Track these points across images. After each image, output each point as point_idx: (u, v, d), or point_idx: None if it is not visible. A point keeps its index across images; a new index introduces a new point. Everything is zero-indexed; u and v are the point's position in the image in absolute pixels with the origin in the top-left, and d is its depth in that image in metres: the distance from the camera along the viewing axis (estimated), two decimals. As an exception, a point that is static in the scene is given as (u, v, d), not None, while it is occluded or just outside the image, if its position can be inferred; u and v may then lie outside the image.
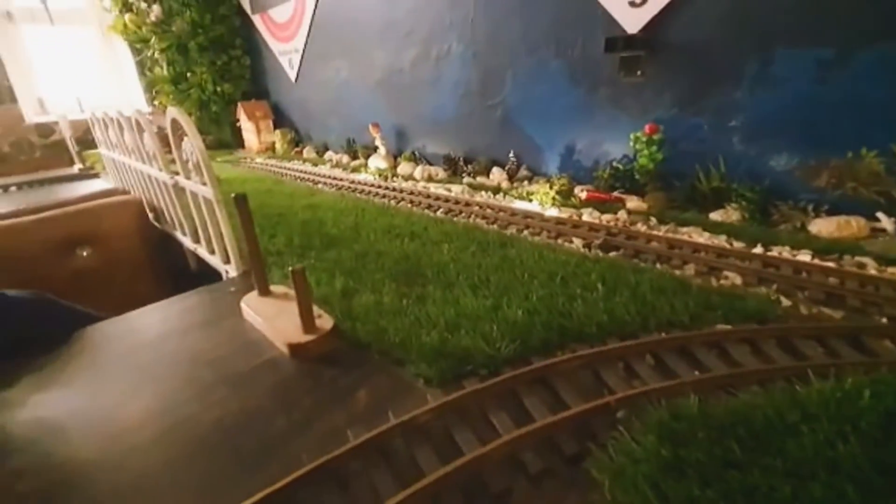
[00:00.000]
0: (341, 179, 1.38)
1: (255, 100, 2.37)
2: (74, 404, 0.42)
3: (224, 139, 2.52)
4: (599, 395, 0.36)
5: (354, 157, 1.72)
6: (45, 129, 2.83)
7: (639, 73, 0.94)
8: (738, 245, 0.68)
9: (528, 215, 0.87)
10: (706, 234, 0.73)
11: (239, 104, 2.28)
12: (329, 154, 1.89)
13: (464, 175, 1.26)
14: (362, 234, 0.80)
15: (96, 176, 1.84)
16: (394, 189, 1.18)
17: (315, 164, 1.77)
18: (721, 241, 0.70)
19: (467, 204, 0.97)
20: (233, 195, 0.51)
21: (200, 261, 0.93)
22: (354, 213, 0.95)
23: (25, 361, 0.48)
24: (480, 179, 1.21)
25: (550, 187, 0.95)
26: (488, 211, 0.91)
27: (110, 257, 0.95)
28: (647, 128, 0.89)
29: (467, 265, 0.63)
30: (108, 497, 0.31)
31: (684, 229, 0.76)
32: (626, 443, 0.29)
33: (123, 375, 0.46)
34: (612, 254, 0.68)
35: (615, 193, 0.93)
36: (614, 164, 0.97)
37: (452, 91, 1.33)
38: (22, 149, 2.79)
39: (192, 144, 0.65)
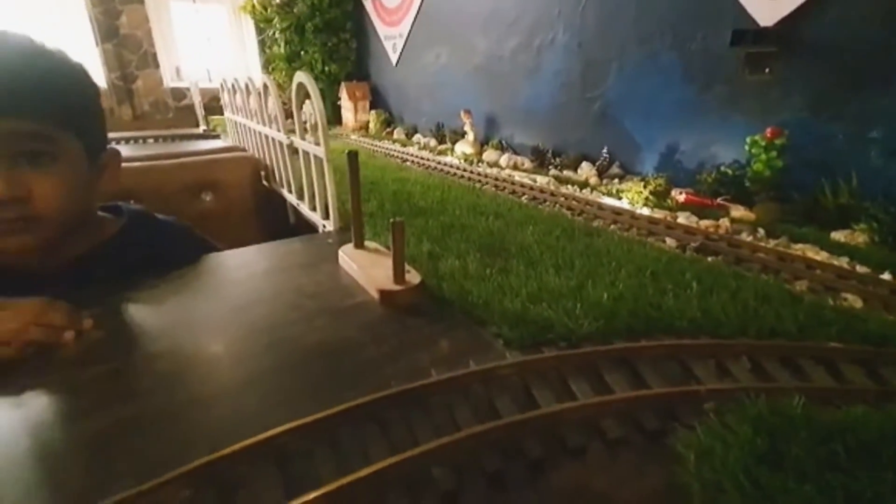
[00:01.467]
0: (428, 160, 1.43)
1: (356, 81, 2.52)
2: (201, 310, 0.49)
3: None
4: (686, 384, 0.35)
5: (441, 142, 1.77)
6: (178, 94, 3.24)
7: (766, 70, 0.86)
8: (862, 269, 0.61)
9: (616, 211, 0.84)
10: (824, 254, 0.66)
11: (342, 84, 2.43)
12: (417, 136, 1.96)
13: (550, 167, 1.24)
14: (448, 209, 0.83)
15: (217, 137, 2.07)
16: (479, 174, 1.20)
17: (403, 145, 1.85)
18: (842, 262, 0.63)
19: (552, 194, 0.96)
20: (346, 151, 0.56)
21: (298, 216, 1.03)
22: (441, 189, 0.98)
23: (168, 273, 0.57)
24: (567, 173, 1.18)
25: (644, 186, 0.91)
26: (574, 203, 0.90)
27: (226, 204, 1.08)
28: (768, 131, 0.81)
29: (551, 247, 0.63)
30: (227, 383, 0.37)
31: (798, 245, 0.69)
32: (717, 427, 0.28)
33: (240, 294, 0.53)
34: (710, 259, 0.64)
35: (719, 200, 0.86)
36: (722, 168, 0.90)
37: (551, 81, 1.31)
38: (159, 108, 3.23)
39: (314, 106, 0.71)
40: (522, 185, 1.04)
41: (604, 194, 0.97)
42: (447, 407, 0.33)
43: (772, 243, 0.69)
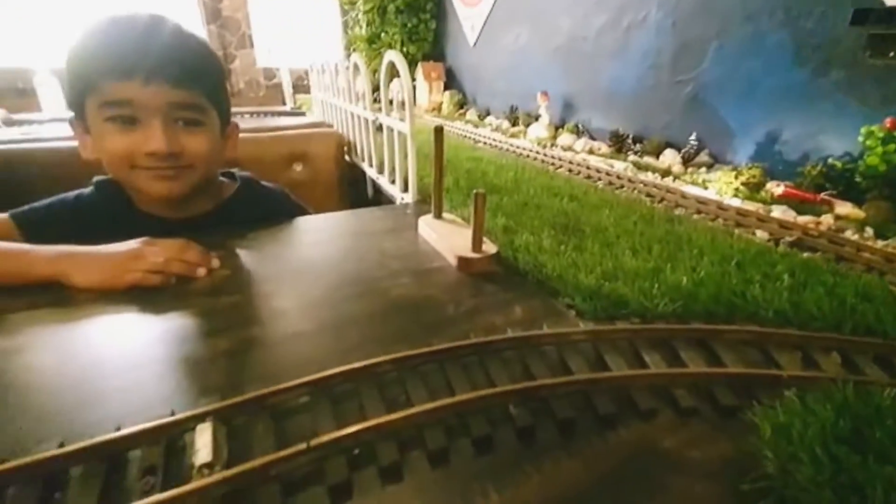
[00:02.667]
0: (500, 142, 1.44)
1: (432, 61, 2.55)
2: (301, 262, 0.56)
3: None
4: (767, 369, 0.35)
5: (514, 124, 1.76)
6: (269, 73, 3.49)
7: (892, 55, 0.76)
8: None
9: (701, 201, 0.80)
10: (946, 259, 0.59)
11: (419, 64, 2.48)
12: (490, 118, 1.96)
13: (629, 153, 1.19)
14: (522, 188, 0.84)
15: (302, 114, 2.22)
16: (552, 157, 1.19)
17: (476, 126, 1.86)
18: (969, 269, 0.56)
19: (630, 180, 0.94)
20: (433, 127, 0.59)
21: (377, 189, 1.09)
22: (514, 169, 0.99)
23: (271, 229, 0.64)
24: (648, 160, 1.14)
25: (735, 177, 0.85)
26: (654, 190, 0.87)
27: (313, 175, 1.18)
28: (888, 121, 0.73)
29: (628, 231, 0.62)
30: (328, 321, 0.42)
31: (913, 247, 0.62)
32: (796, 407, 0.28)
33: (333, 251, 0.59)
34: (806, 254, 0.60)
35: (823, 195, 0.79)
36: (830, 160, 0.82)
37: (638, 63, 1.25)
38: (251, 86, 3.50)
39: (403, 85, 0.75)
40: (598, 170, 1.02)
41: (688, 183, 0.93)
42: (521, 361, 0.36)
43: (880, 244, 0.63)
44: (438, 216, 0.65)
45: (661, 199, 0.82)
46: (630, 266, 0.50)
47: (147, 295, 0.46)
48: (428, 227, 0.63)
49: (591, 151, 1.28)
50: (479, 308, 0.45)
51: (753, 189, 0.82)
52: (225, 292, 0.47)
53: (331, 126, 1.42)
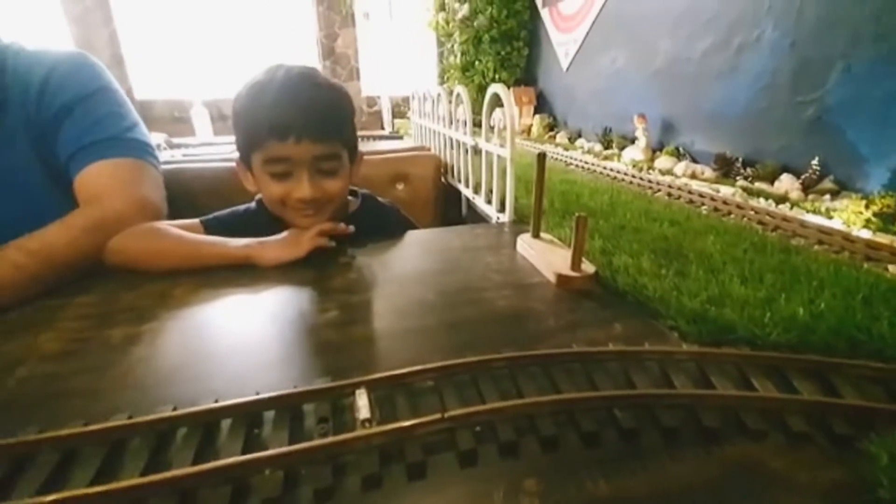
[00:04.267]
0: (593, 164, 1.44)
1: (523, 86, 2.62)
2: (413, 269, 0.64)
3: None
4: (889, 404, 0.33)
5: (607, 147, 1.74)
6: (371, 101, 3.82)
7: None
8: None
9: (824, 231, 0.74)
10: None
11: (511, 89, 2.56)
12: (581, 141, 1.96)
13: (738, 178, 1.13)
14: (618, 211, 0.85)
15: (400, 138, 2.40)
16: (649, 181, 1.17)
17: (566, 149, 1.87)
18: None
19: (739, 206, 0.89)
20: (538, 153, 0.64)
21: (471, 208, 1.17)
22: (609, 193, 1.00)
23: (387, 240, 0.74)
24: (760, 185, 1.07)
25: (867, 206, 0.78)
26: (768, 217, 0.82)
27: (413, 194, 1.29)
28: None
29: (736, 259, 0.61)
30: (441, 322, 0.48)
31: None
32: (928, 444, 0.27)
33: (440, 263, 0.66)
34: (954, 294, 0.53)
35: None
36: None
37: (749, 84, 1.19)
38: (356, 113, 3.88)
39: (506, 114, 0.82)
40: (702, 195, 0.99)
41: (808, 211, 0.86)
42: (624, 372, 0.38)
43: None
44: (536, 236, 0.70)
45: (776, 228, 0.78)
46: (738, 294, 0.50)
47: (297, 291, 0.56)
48: (527, 245, 0.67)
49: (693, 175, 1.23)
50: (579, 322, 0.48)
51: (887, 220, 0.74)
52: (355, 291, 0.56)
53: (429, 149, 1.54)
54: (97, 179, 0.65)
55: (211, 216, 0.71)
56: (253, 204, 0.75)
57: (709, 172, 1.21)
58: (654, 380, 0.37)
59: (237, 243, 0.61)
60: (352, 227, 0.66)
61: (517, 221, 0.86)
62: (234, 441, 0.31)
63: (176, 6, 2.98)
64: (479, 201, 1.06)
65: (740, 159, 1.16)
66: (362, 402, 0.32)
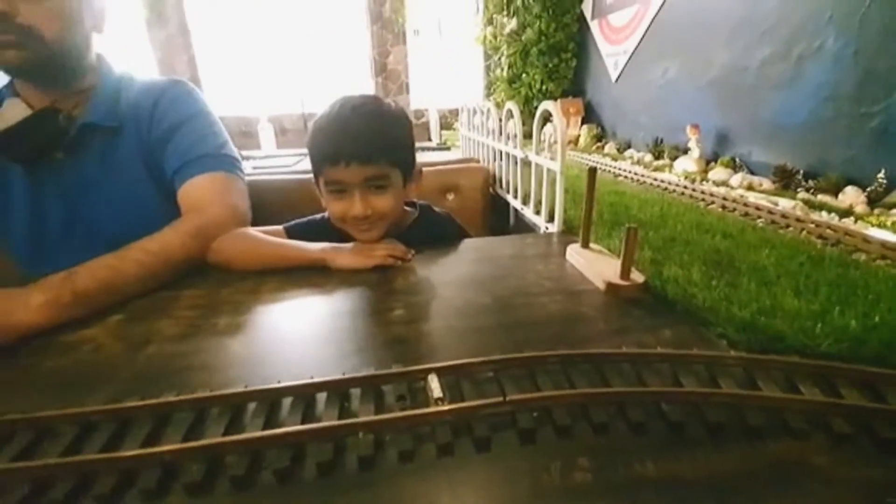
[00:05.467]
0: (643, 175, 1.44)
1: (571, 97, 2.63)
2: (469, 275, 0.69)
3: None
4: (950, 418, 0.34)
5: (658, 157, 1.73)
6: (419, 113, 3.95)
7: None
8: None
9: (888, 246, 0.72)
10: None
11: (558, 101, 2.58)
12: (630, 151, 1.94)
13: (799, 190, 1.10)
14: (668, 223, 0.86)
15: (447, 149, 2.48)
16: (702, 192, 1.16)
17: (615, 159, 1.87)
18: None
19: (799, 220, 0.88)
20: (589, 167, 0.68)
21: (518, 218, 1.21)
22: (660, 204, 1.01)
23: (444, 247, 0.79)
24: (822, 198, 1.03)
25: (940, 220, 0.74)
26: (829, 231, 0.80)
27: (462, 204, 1.35)
28: None
29: (790, 272, 0.61)
30: (498, 323, 0.53)
31: None
32: (976, 450, 0.29)
33: (493, 269, 0.71)
34: None
35: None
36: None
37: (811, 94, 1.16)
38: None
39: (556, 129, 0.86)
40: (758, 208, 0.97)
41: (873, 225, 0.83)
42: (672, 373, 0.41)
43: None
44: (586, 245, 0.73)
45: (837, 242, 0.76)
46: (791, 306, 0.51)
47: (366, 291, 0.63)
48: (576, 255, 0.70)
49: (750, 187, 1.20)
50: (628, 327, 0.51)
51: (968, 236, 0.71)
52: (417, 293, 0.62)
53: (477, 161, 1.59)
54: (198, 191, 0.76)
55: (291, 223, 0.81)
56: (326, 214, 0.83)
57: (767, 184, 1.18)
58: (701, 381, 0.40)
59: (315, 248, 0.70)
60: (412, 253, 0.74)
61: (565, 232, 0.89)
62: (330, 410, 0.37)
63: (244, 32, 3.26)
64: (528, 212, 1.10)
65: (801, 171, 1.12)
66: (434, 384, 0.38)
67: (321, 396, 0.39)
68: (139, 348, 0.49)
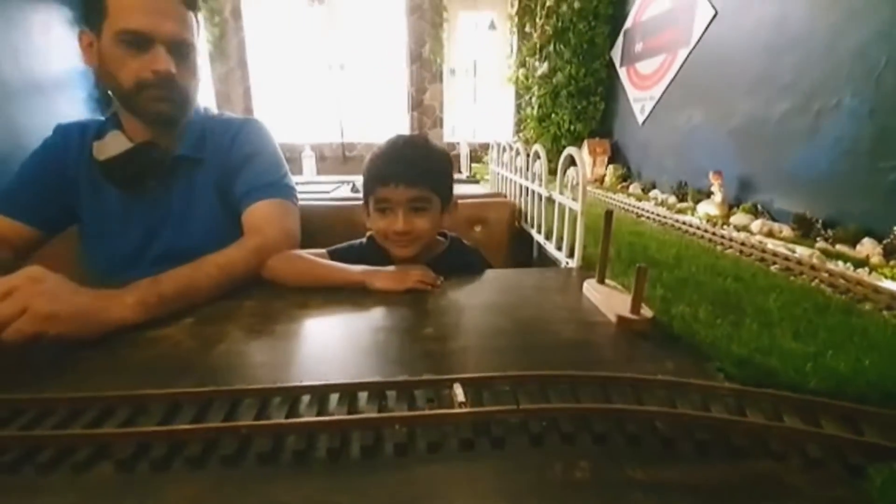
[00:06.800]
0: (665, 217, 1.49)
1: (598, 138, 2.72)
2: (491, 301, 0.76)
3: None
4: (919, 453, 0.38)
5: (682, 199, 1.77)
6: (450, 146, 4.12)
7: None
8: None
9: (898, 297, 0.75)
10: None
11: (586, 141, 2.68)
12: (654, 192, 1.99)
13: (818, 239, 1.12)
14: (683, 265, 0.91)
15: (477, 181, 2.59)
16: (721, 236, 1.20)
17: (639, 199, 1.92)
18: None
19: (813, 268, 0.91)
20: (606, 210, 0.75)
21: (541, 252, 1.27)
22: (677, 246, 1.06)
23: (468, 278, 0.87)
24: (840, 248, 1.06)
25: (953, 276, 0.77)
26: (840, 281, 0.83)
27: (489, 236, 1.43)
28: None
29: (793, 316, 0.65)
30: (518, 346, 0.59)
31: None
32: (928, 476, 0.33)
33: (514, 298, 0.78)
34: None
35: None
36: None
37: (830, 147, 1.20)
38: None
39: (578, 172, 0.94)
40: (775, 254, 1.01)
41: (887, 277, 0.85)
42: (669, 398, 0.46)
43: None
44: (601, 281, 0.79)
45: (846, 291, 0.79)
46: (788, 347, 0.55)
47: (401, 310, 0.71)
48: (592, 289, 0.76)
49: (770, 233, 1.23)
50: (634, 357, 0.57)
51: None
52: (446, 315, 0.69)
53: (505, 196, 1.68)
54: (260, 214, 0.87)
55: (334, 248, 0.91)
56: (364, 240, 0.93)
57: (787, 231, 1.21)
58: (694, 406, 0.45)
59: (356, 269, 0.79)
60: (441, 280, 0.82)
61: (584, 267, 0.95)
62: (370, 405, 0.44)
63: (294, 66, 3.54)
64: (550, 247, 1.17)
65: (821, 220, 1.15)
66: (459, 391, 0.44)
67: (362, 394, 0.47)
68: (211, 346, 0.58)
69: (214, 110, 0.99)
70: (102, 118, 0.92)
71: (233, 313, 0.69)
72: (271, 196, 0.89)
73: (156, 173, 0.85)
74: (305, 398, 0.46)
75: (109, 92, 0.82)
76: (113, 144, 0.83)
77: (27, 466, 0.38)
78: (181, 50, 0.78)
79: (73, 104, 2.53)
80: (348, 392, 0.46)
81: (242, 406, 0.45)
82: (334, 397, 0.46)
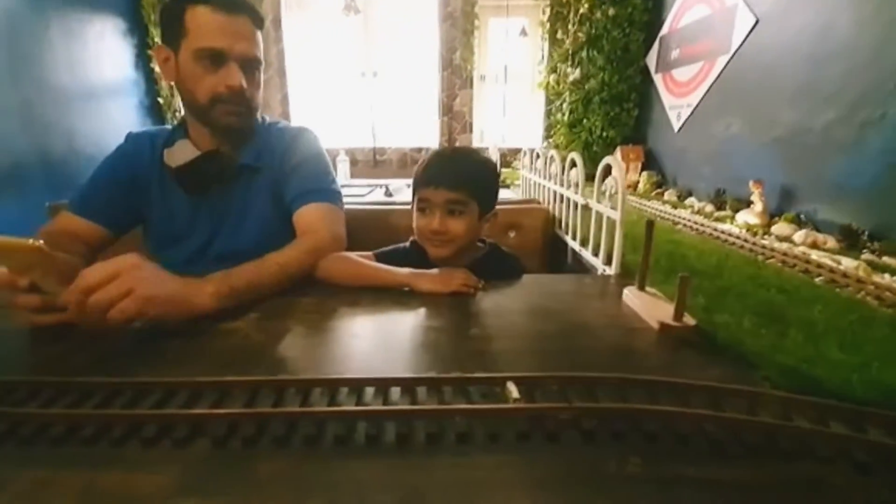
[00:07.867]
0: (703, 225, 1.47)
1: (631, 144, 2.70)
2: (530, 304, 0.79)
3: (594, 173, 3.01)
4: (972, 465, 0.39)
5: (720, 208, 1.74)
6: (481, 151, 4.15)
7: None
8: None
9: (952, 312, 0.73)
10: None
11: (619, 147, 2.66)
12: (691, 200, 1.96)
13: (864, 250, 1.10)
14: (724, 274, 0.92)
15: (507, 187, 2.61)
16: (763, 246, 1.19)
17: (674, 207, 1.90)
18: None
19: (859, 280, 0.89)
20: (647, 220, 0.77)
21: (576, 259, 1.29)
22: (717, 255, 1.06)
23: (506, 283, 0.90)
24: (887, 260, 1.03)
25: None
26: (887, 294, 0.82)
27: (523, 242, 1.45)
28: None
29: (839, 328, 0.65)
30: (557, 349, 0.62)
31: None
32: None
33: (555, 304, 0.80)
34: None
35: None
36: None
37: (875, 159, 1.17)
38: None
39: (618, 181, 0.96)
40: (819, 266, 0.99)
41: (939, 292, 0.83)
42: (716, 402, 0.48)
43: None
44: (642, 289, 0.80)
45: (893, 304, 0.78)
46: (834, 358, 0.56)
47: (447, 312, 0.75)
48: (632, 296, 0.78)
49: (814, 244, 1.21)
50: (677, 363, 0.59)
51: None
52: (490, 317, 0.73)
53: (539, 202, 1.71)
54: (311, 216, 0.93)
55: (380, 250, 0.96)
56: (408, 244, 0.98)
57: (832, 242, 1.18)
58: (741, 411, 0.46)
59: (402, 271, 0.83)
60: (482, 283, 0.85)
61: (622, 275, 0.97)
62: (430, 398, 0.48)
63: (329, 75, 3.66)
64: (586, 254, 1.18)
65: (866, 232, 1.12)
66: (513, 388, 0.48)
67: (421, 389, 0.50)
68: (277, 339, 0.63)
69: (269, 118, 1.06)
70: (168, 126, 1.00)
71: (292, 310, 0.74)
72: (321, 200, 0.95)
73: (221, 179, 0.92)
74: (370, 389, 0.50)
75: (182, 104, 0.90)
76: (183, 152, 0.91)
77: (133, 441, 0.44)
78: (251, 66, 0.85)
79: (124, 111, 2.70)
80: (408, 386, 0.50)
81: (313, 395, 0.49)
82: (395, 390, 0.50)
